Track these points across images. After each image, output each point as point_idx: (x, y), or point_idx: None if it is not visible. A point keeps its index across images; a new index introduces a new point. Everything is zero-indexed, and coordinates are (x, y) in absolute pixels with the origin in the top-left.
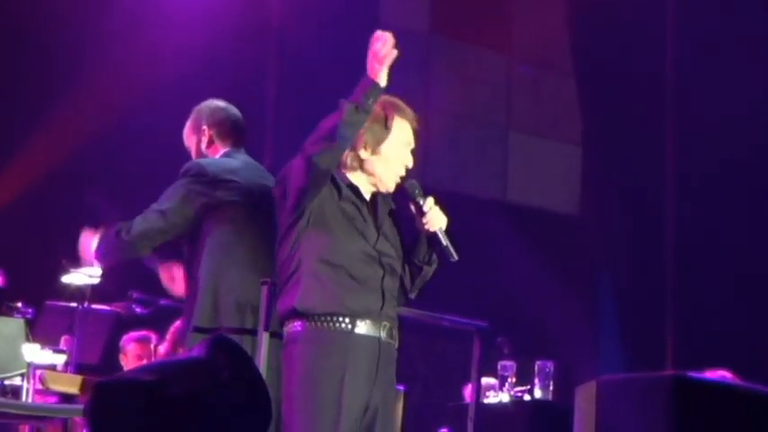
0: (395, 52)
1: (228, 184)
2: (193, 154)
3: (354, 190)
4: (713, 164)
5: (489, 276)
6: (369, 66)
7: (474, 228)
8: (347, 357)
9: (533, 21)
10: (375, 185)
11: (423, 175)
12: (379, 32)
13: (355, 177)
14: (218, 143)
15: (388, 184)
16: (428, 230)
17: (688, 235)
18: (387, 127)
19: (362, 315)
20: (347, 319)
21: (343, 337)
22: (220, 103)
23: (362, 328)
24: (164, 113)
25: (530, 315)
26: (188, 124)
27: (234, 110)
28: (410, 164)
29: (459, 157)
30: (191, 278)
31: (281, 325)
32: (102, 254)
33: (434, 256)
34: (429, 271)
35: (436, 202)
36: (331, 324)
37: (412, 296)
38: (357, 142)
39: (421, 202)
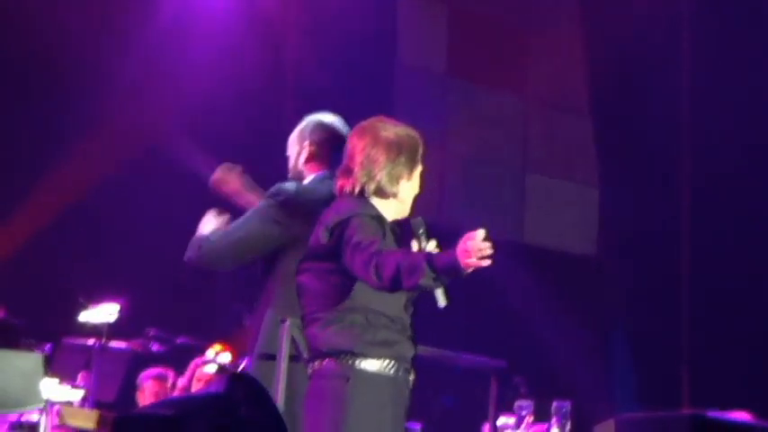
0: (486, 262)
1: (305, 217)
2: (291, 163)
3: (392, 229)
4: (730, 206)
5: (506, 316)
6: (461, 253)
7: (490, 269)
8: (387, 401)
9: (549, 63)
10: (398, 214)
11: (438, 215)
12: (479, 236)
13: (385, 205)
14: (315, 162)
15: (408, 210)
16: None
17: (703, 276)
18: (418, 155)
19: (402, 361)
20: (394, 364)
21: (388, 383)
22: (326, 120)
23: (401, 373)
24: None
25: (546, 355)
26: (295, 132)
27: (340, 129)
28: (418, 191)
29: (475, 199)
30: (261, 303)
31: (311, 360)
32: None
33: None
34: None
35: (438, 245)
36: (377, 368)
37: None
38: (398, 172)
39: (424, 244)
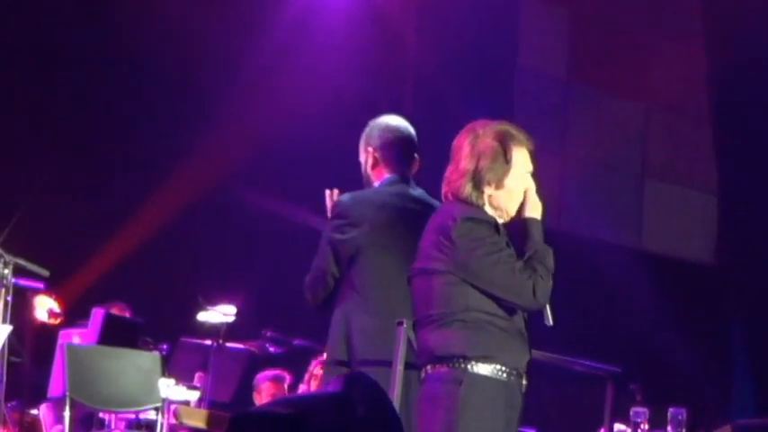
0: None
1: (368, 224)
2: (362, 170)
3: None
4: None
5: (623, 321)
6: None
7: (609, 274)
8: (504, 408)
9: (671, 68)
10: (499, 216)
11: (557, 221)
12: None
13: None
14: (382, 166)
15: (512, 213)
16: None
17: None
18: (507, 161)
19: (515, 365)
20: (506, 369)
21: (502, 387)
22: (392, 123)
23: (513, 377)
24: (303, 150)
25: (662, 361)
26: (361, 140)
27: (406, 131)
28: (533, 186)
29: (593, 204)
30: (333, 316)
31: (424, 364)
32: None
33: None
34: None
35: (564, 249)
36: (493, 372)
37: None
38: (480, 182)
39: None
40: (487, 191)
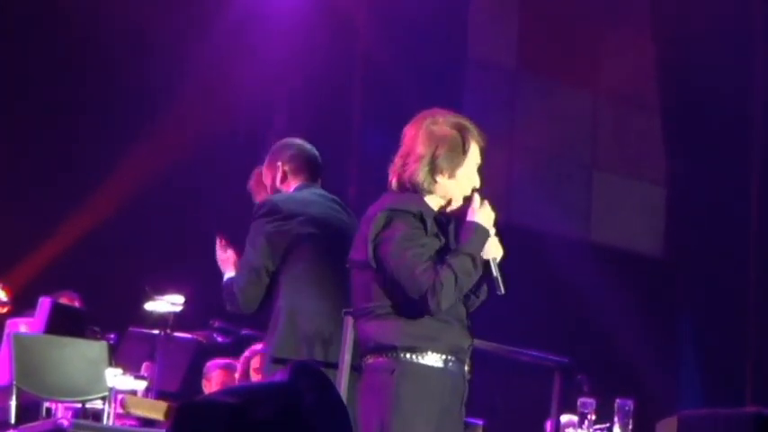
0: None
1: (301, 217)
2: (268, 189)
3: (438, 222)
4: None
5: (571, 313)
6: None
7: (557, 265)
8: (441, 395)
9: (621, 58)
10: (444, 206)
11: (505, 212)
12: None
13: (429, 200)
14: (291, 178)
15: (457, 204)
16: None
17: None
18: (464, 151)
19: (453, 351)
20: (441, 356)
21: (438, 374)
22: (295, 141)
23: (451, 364)
24: (248, 142)
25: (610, 353)
26: (265, 162)
27: (308, 146)
28: (478, 184)
29: (542, 195)
30: (272, 310)
31: (363, 356)
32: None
33: (483, 289)
34: (476, 302)
35: (512, 240)
36: (426, 360)
37: None
38: (434, 168)
39: None
40: (439, 179)
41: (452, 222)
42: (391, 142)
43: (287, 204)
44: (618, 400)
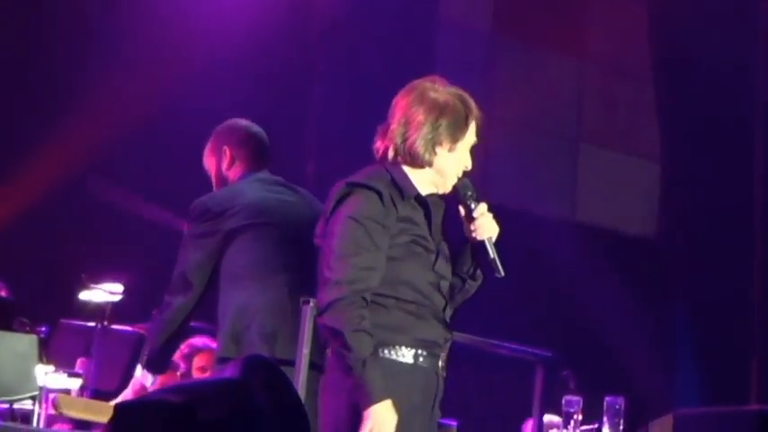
0: None
1: (234, 209)
2: (213, 176)
3: (422, 202)
4: None
5: (555, 302)
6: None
7: (539, 250)
8: (409, 392)
9: (608, 21)
10: (437, 186)
11: (482, 191)
12: None
13: (419, 176)
14: (238, 164)
15: (450, 184)
16: (475, 238)
17: None
18: (466, 124)
19: (424, 345)
20: (411, 351)
21: (406, 370)
22: (241, 122)
23: (422, 360)
24: (194, 122)
25: (599, 345)
26: (207, 146)
27: (256, 129)
28: (470, 165)
29: (523, 171)
30: (218, 308)
31: (324, 349)
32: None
33: (479, 272)
34: (472, 287)
35: (491, 213)
36: (394, 354)
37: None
38: (437, 138)
39: (472, 206)
40: (439, 150)
41: (441, 206)
42: (354, 114)
43: (216, 201)
44: (607, 398)
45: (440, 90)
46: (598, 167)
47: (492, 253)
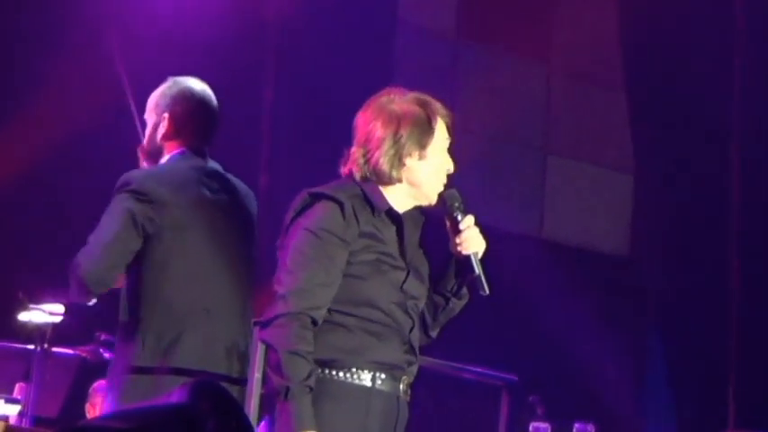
0: None
1: (170, 207)
2: (146, 136)
3: (394, 217)
4: None
5: (521, 323)
6: None
7: (505, 268)
8: (364, 418)
9: (577, 26)
10: (416, 199)
11: (441, 203)
12: None
13: (394, 191)
14: (175, 139)
15: (432, 194)
16: (460, 253)
17: (756, 278)
18: (431, 127)
19: (386, 369)
20: (369, 374)
21: (363, 393)
22: (196, 88)
23: (381, 383)
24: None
25: (568, 369)
26: (152, 97)
27: (208, 99)
28: (452, 167)
29: (487, 184)
30: (128, 311)
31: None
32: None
33: (464, 290)
34: (457, 305)
35: (477, 221)
36: (349, 376)
37: (433, 334)
38: (401, 150)
39: (459, 218)
40: (408, 162)
41: (420, 221)
42: (310, 120)
43: (153, 186)
44: (576, 425)
45: (396, 101)
46: (567, 180)
47: (477, 269)
